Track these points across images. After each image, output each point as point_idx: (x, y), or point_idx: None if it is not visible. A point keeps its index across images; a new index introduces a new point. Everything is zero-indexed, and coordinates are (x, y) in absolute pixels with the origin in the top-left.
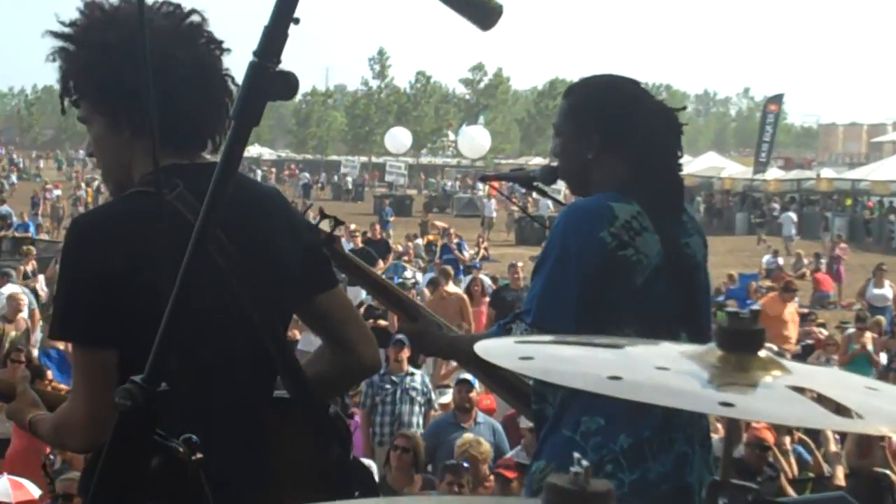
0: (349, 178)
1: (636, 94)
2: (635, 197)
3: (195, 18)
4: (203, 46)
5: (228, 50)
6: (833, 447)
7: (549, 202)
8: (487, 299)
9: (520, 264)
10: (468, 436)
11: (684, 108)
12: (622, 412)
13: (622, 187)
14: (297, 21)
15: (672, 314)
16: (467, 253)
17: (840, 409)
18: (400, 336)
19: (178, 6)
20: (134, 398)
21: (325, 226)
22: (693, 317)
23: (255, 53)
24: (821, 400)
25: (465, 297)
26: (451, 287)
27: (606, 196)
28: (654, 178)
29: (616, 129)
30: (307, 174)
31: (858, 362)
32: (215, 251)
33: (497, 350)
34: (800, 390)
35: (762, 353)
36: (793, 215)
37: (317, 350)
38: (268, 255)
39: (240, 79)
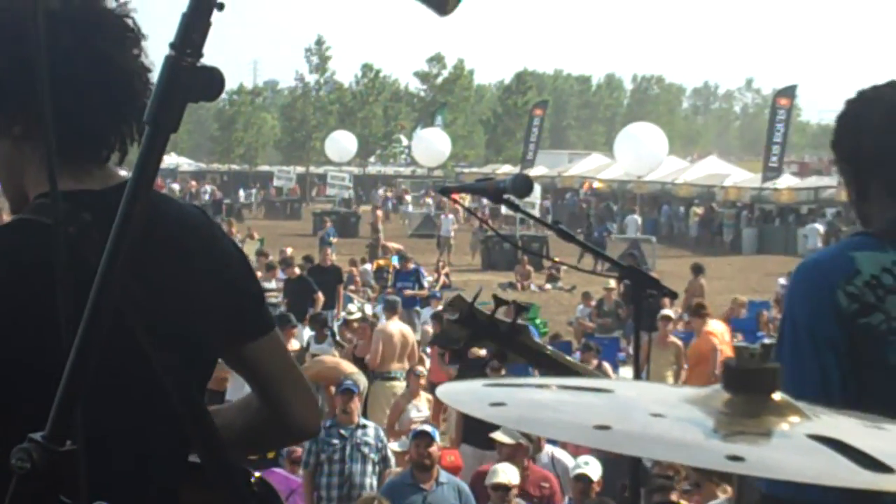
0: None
1: (872, 94)
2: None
3: (108, 2)
4: (110, 36)
5: (143, 36)
6: None
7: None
8: None
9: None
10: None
11: None
12: None
13: (884, 227)
14: (220, 7)
15: None
16: (426, 280)
17: (870, 462)
18: (349, 383)
19: None
20: (34, 460)
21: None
22: None
23: (172, 46)
24: (847, 451)
25: (411, 334)
26: (394, 323)
27: (851, 243)
28: None
29: (869, 167)
30: (208, 187)
31: None
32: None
33: (463, 394)
34: (822, 440)
35: (776, 396)
36: (819, 227)
37: (246, 397)
38: (183, 301)
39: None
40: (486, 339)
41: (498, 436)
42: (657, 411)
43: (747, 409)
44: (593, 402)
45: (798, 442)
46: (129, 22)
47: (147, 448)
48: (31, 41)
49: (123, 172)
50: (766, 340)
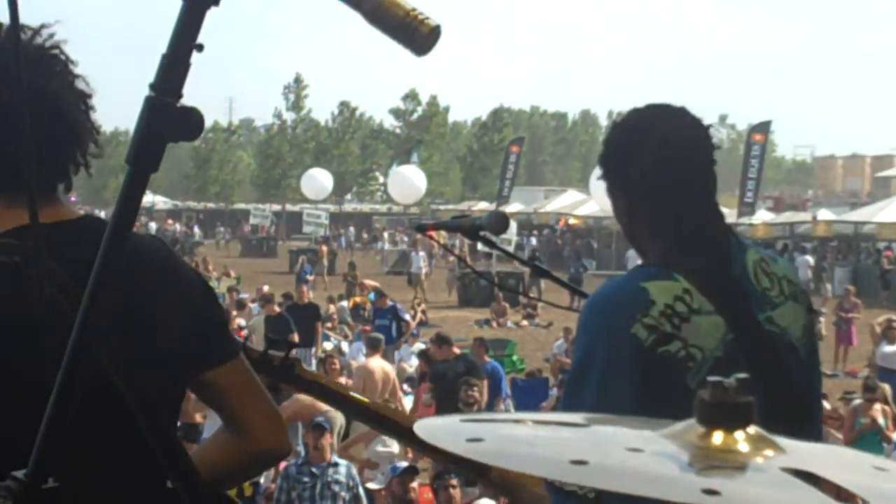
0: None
1: (644, 122)
2: (680, 267)
3: (41, 35)
4: (47, 69)
5: (75, 69)
6: None
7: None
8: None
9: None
10: None
11: (718, 146)
12: None
13: (661, 256)
14: (200, 48)
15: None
16: (406, 315)
17: (843, 495)
18: (320, 419)
19: (22, 25)
20: (16, 498)
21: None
22: (793, 422)
23: (153, 87)
24: (820, 484)
25: (391, 371)
26: (376, 361)
27: (639, 274)
28: (689, 231)
29: (639, 188)
30: (177, 226)
31: (868, 440)
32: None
33: (440, 430)
34: (797, 473)
35: (751, 430)
36: (809, 259)
37: (215, 432)
38: (146, 328)
39: (107, 109)
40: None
41: None
42: (634, 446)
43: (723, 443)
44: (570, 436)
45: (773, 475)
46: (62, 54)
47: (124, 482)
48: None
49: (102, 214)
50: (741, 374)
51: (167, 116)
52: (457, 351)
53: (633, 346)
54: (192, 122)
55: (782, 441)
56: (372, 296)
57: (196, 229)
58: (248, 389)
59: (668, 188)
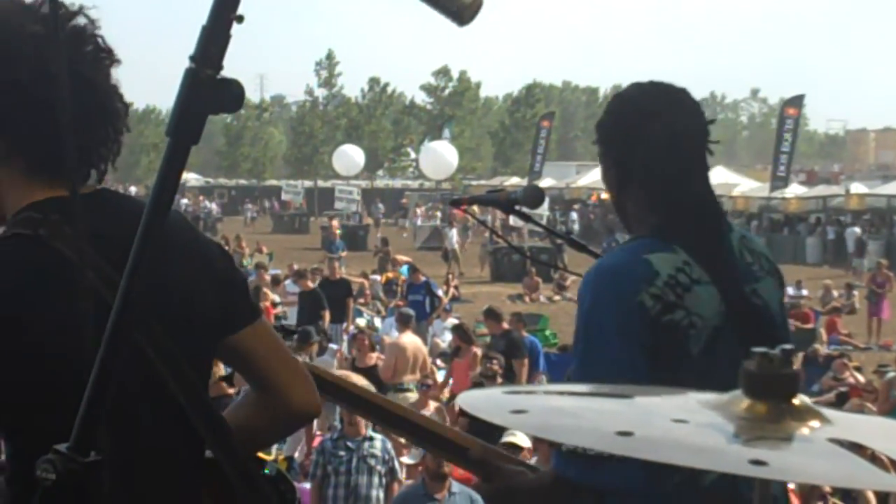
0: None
1: (650, 107)
2: (677, 240)
3: (80, 21)
4: (88, 56)
5: (118, 61)
6: None
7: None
8: (477, 350)
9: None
10: None
11: (713, 121)
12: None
13: (658, 230)
14: (241, 19)
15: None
16: (439, 291)
17: (893, 465)
18: None
19: (62, 5)
20: (59, 471)
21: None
22: None
23: (193, 59)
24: (866, 454)
25: (423, 346)
26: (407, 336)
27: (641, 246)
28: (687, 211)
29: (633, 159)
30: (210, 203)
31: None
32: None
33: (484, 403)
34: (843, 443)
35: (797, 401)
36: (857, 230)
37: (243, 396)
38: (172, 296)
39: (135, 92)
40: None
41: (518, 439)
42: (679, 417)
43: (768, 414)
44: (614, 408)
45: (819, 446)
46: (101, 42)
47: (166, 455)
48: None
49: (133, 190)
50: (786, 346)
51: (207, 88)
52: (505, 326)
53: (640, 314)
54: (232, 93)
55: (827, 412)
56: (404, 270)
57: (213, 205)
58: (273, 350)
59: (671, 175)
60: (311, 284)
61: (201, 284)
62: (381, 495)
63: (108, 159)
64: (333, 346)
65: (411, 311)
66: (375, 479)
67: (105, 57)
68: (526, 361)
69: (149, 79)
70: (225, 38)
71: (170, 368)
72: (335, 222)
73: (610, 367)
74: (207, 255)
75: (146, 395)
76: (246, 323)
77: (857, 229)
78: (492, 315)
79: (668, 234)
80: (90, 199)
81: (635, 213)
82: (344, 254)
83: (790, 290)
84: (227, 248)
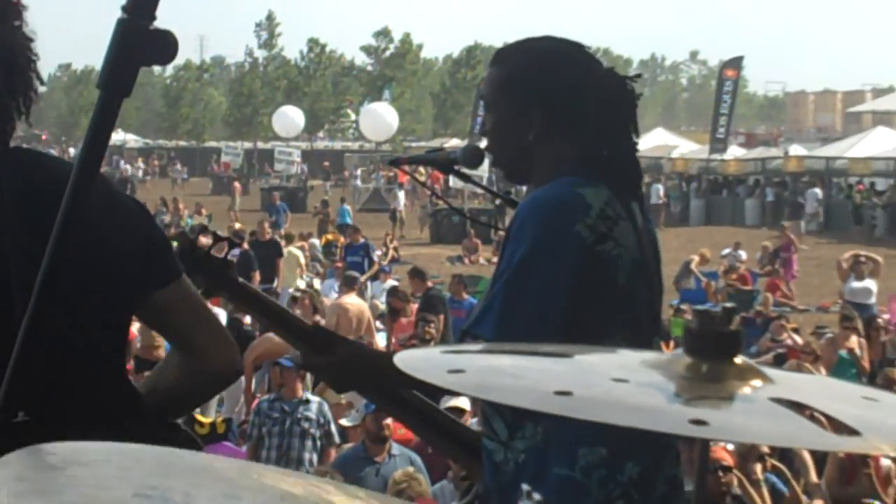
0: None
1: (583, 60)
2: (602, 180)
3: None
4: (8, 15)
5: (24, 6)
6: (813, 475)
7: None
8: (415, 307)
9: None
10: (409, 469)
11: (639, 75)
12: (625, 437)
13: (580, 169)
14: None
15: (650, 317)
16: (376, 254)
17: (835, 426)
18: (283, 359)
19: None
20: None
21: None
22: (659, 319)
23: (125, 9)
24: (809, 414)
25: (367, 309)
26: (351, 298)
27: (571, 182)
28: (617, 157)
29: (564, 104)
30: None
31: (842, 367)
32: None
33: (420, 362)
34: (785, 402)
35: (738, 360)
36: (818, 191)
37: (164, 357)
38: (87, 251)
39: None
40: (197, 275)
41: (461, 402)
42: (619, 376)
43: (709, 373)
44: (553, 367)
45: (761, 406)
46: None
47: (88, 415)
48: None
49: (72, 151)
50: (727, 305)
51: (140, 39)
52: (429, 285)
53: (577, 243)
54: (166, 44)
55: (770, 371)
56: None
57: (126, 165)
58: (194, 310)
59: (607, 127)
60: (245, 246)
61: (119, 239)
62: (315, 459)
63: (18, 112)
64: None
65: (356, 274)
66: (309, 443)
67: (11, 9)
68: (441, 318)
69: (88, 38)
70: None
71: (77, 332)
72: (237, 184)
73: (539, 291)
74: (122, 210)
75: (66, 356)
76: (165, 281)
77: (818, 190)
78: (417, 274)
79: (593, 174)
80: (4, 156)
81: (545, 162)
82: (287, 214)
83: (727, 251)
84: (164, 209)
